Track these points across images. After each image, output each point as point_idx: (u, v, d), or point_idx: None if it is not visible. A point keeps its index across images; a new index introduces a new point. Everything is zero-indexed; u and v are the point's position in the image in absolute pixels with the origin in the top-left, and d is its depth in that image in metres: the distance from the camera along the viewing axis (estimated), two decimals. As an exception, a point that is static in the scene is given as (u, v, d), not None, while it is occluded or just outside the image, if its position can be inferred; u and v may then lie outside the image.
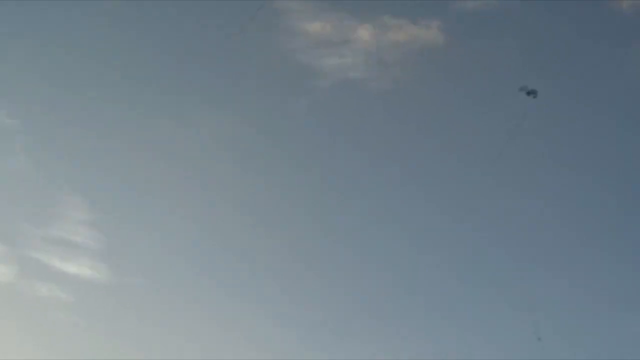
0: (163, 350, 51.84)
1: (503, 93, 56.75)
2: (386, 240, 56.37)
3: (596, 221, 55.47)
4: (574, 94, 56.22)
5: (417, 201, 57.53)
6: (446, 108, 58.58)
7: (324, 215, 58.11)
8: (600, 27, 56.71)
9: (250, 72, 60.47)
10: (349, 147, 59.13)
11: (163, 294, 54.93)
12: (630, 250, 53.63)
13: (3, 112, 57.85)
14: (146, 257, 56.58)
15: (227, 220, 57.38)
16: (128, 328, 53.13)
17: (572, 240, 54.90)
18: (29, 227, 56.35)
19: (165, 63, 60.55)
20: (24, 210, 56.76)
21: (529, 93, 44.81)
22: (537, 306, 46.44)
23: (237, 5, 60.52)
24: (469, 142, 57.05)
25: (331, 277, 56.04)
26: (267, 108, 60.10)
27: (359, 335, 53.10)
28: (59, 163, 58.20)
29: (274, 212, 58.11)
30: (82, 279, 55.05)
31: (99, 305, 54.29)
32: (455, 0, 59.66)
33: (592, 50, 56.80)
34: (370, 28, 60.17)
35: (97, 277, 55.18)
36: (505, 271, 54.67)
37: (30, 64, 58.75)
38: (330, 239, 57.12)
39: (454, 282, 54.84)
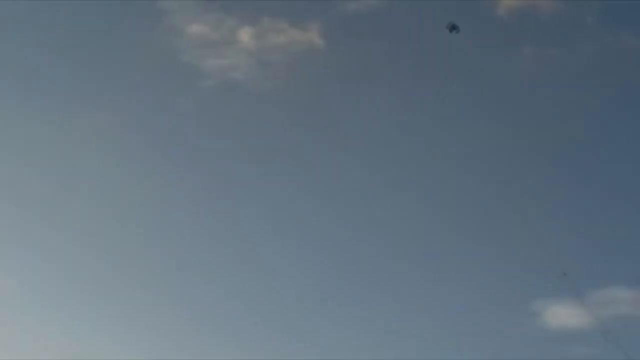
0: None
1: (381, 92, 58.77)
2: (271, 241, 56.87)
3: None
4: (452, 91, 58.34)
5: (300, 199, 58.43)
6: (327, 108, 59.92)
7: (205, 216, 58.22)
8: (479, 29, 59.12)
9: (132, 71, 60.78)
10: (231, 146, 59.72)
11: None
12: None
13: None
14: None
15: (96, 221, 56.64)
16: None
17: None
18: None
19: (42, 59, 60.35)
20: None
21: (452, 29, 46.97)
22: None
23: (119, 5, 60.98)
24: (349, 140, 58.48)
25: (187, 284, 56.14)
26: (149, 107, 60.33)
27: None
28: None
29: (152, 210, 57.84)
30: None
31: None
32: (334, 2, 61.24)
33: (473, 50, 59.12)
34: (251, 30, 61.39)
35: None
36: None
37: None
38: (211, 238, 57.25)
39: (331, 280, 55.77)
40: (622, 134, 57.60)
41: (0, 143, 58.04)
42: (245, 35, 61.23)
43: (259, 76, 60.76)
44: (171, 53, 60.75)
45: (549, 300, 52.66)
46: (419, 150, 57.71)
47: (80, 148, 58.17)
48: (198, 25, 61.47)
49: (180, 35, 61.11)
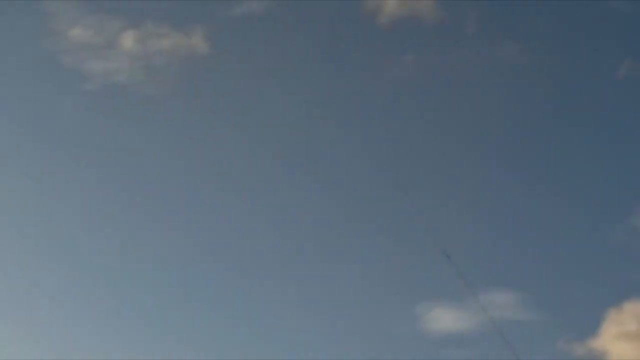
0: None
1: (269, 98, 59.11)
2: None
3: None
4: (334, 95, 59.31)
5: (183, 200, 58.21)
6: (213, 113, 59.87)
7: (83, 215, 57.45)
8: (360, 36, 60.10)
9: (10, 73, 59.65)
10: (114, 150, 59.10)
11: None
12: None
13: None
14: None
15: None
16: None
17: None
18: None
19: None
20: None
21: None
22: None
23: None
24: (233, 143, 58.65)
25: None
26: (30, 110, 59.32)
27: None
28: None
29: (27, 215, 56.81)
30: None
31: None
32: (219, 5, 61.30)
33: (354, 56, 60.12)
34: (134, 33, 60.95)
35: None
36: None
37: None
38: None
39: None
40: (500, 137, 59.03)
41: None
42: (128, 38, 60.93)
43: (143, 80, 60.47)
44: (53, 55, 60.09)
45: (432, 303, 53.45)
46: (304, 151, 58.45)
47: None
48: (80, 27, 60.93)
49: (62, 38, 60.48)
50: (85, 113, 59.59)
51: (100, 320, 52.82)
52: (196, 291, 54.15)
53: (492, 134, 58.53)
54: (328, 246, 55.47)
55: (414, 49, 59.49)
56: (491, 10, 60.39)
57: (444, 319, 53.01)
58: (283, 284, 54.03)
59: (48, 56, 59.86)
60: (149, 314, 53.58)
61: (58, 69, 59.83)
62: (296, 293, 53.86)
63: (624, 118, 58.78)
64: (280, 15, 60.72)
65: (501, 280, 53.76)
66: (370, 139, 57.71)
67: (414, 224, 44.37)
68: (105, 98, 59.83)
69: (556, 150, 58.39)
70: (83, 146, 59.06)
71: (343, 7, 59.38)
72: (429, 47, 59.66)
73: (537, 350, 50.76)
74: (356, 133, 57.43)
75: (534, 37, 60.08)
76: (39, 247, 55.17)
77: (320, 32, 60.04)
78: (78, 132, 59.36)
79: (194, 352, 50.45)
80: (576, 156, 58.20)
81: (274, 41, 59.86)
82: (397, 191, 42.32)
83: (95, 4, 61.65)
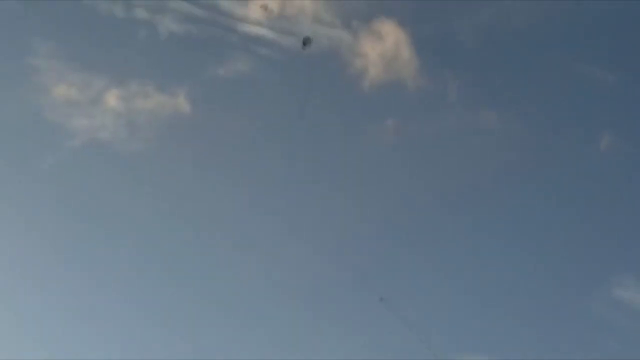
0: None
1: (248, 158, 59.44)
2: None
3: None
4: (314, 158, 59.62)
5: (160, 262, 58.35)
6: (192, 170, 60.13)
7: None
8: (343, 101, 60.64)
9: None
10: (96, 205, 59.19)
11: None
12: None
13: None
14: None
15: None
16: None
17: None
18: None
19: None
20: None
21: (305, 43, 48.33)
22: None
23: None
24: (209, 206, 59.06)
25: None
26: (13, 164, 59.42)
27: None
28: None
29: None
30: None
31: None
32: (201, 67, 61.82)
33: (335, 120, 60.57)
34: (118, 92, 61.37)
35: None
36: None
37: None
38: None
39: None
40: (481, 204, 59.35)
41: None
42: (112, 97, 61.39)
43: (126, 137, 60.80)
44: (37, 110, 60.40)
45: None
46: (282, 206, 58.68)
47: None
48: (65, 84, 61.37)
49: (47, 94, 60.84)
50: (68, 168, 60.01)
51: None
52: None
53: (473, 201, 59.01)
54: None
55: (397, 115, 60.16)
56: (473, 78, 61.34)
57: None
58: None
59: (31, 111, 60.36)
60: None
61: (42, 125, 60.32)
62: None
63: (605, 189, 59.41)
64: (264, 76, 61.38)
65: (478, 345, 54.36)
66: (349, 202, 58.27)
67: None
68: (88, 154, 60.36)
69: (537, 219, 58.84)
70: (65, 201, 59.45)
71: (327, 71, 60.01)
72: (411, 113, 60.36)
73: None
74: (336, 196, 57.95)
75: (515, 106, 60.85)
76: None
77: (303, 94, 60.45)
78: (61, 187, 59.72)
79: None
80: (557, 227, 58.67)
81: (255, 103, 60.44)
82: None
83: (81, 61, 62.16)
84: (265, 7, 50.42)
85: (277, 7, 60.32)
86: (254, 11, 61.66)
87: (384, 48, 59.66)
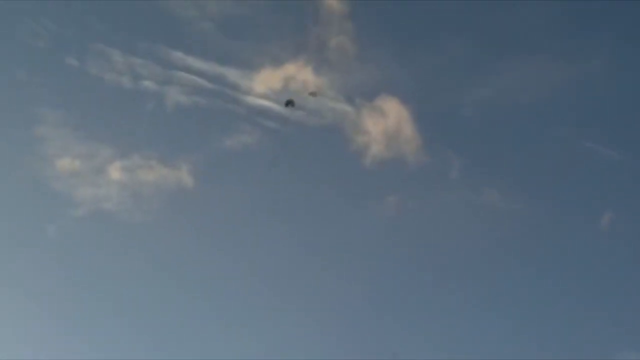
0: None
1: (250, 232, 59.86)
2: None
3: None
4: (327, 235, 59.92)
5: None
6: (194, 242, 60.38)
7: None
8: (345, 178, 61.00)
9: (3, 198, 60.50)
10: (101, 276, 59.54)
11: None
12: None
13: None
14: None
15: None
16: None
17: None
18: None
19: None
20: None
21: (288, 103, 48.83)
22: None
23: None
24: (210, 282, 59.40)
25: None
26: (19, 234, 59.93)
27: None
28: None
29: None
30: None
31: None
32: (205, 141, 62.45)
33: (338, 198, 60.95)
34: (122, 164, 62.08)
35: None
36: None
37: None
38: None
39: None
40: (481, 282, 59.36)
41: None
42: (116, 168, 62.09)
43: (130, 207, 61.33)
44: (43, 180, 61.10)
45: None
46: (283, 285, 58.87)
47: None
48: (70, 154, 62.14)
49: (52, 164, 61.56)
50: (72, 237, 60.48)
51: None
52: None
53: (474, 277, 59.02)
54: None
55: (398, 191, 60.44)
56: (475, 156, 61.63)
57: None
58: None
59: (36, 181, 61.09)
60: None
61: (46, 194, 60.99)
62: None
63: (606, 268, 59.36)
64: (268, 149, 61.85)
65: None
66: (348, 277, 58.44)
67: None
68: (93, 224, 60.86)
69: (537, 298, 58.73)
70: (69, 269, 59.87)
71: (330, 147, 60.51)
72: (413, 190, 60.61)
73: None
74: (335, 271, 58.13)
75: (516, 185, 61.03)
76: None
77: (306, 169, 61.10)
78: (65, 256, 60.16)
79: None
80: (558, 305, 58.52)
81: (259, 176, 60.73)
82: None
83: (86, 132, 62.98)
84: (314, 94, 51.53)
85: (283, 82, 61.25)
86: (260, 83, 62.56)
87: (386, 124, 60.19)
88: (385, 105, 60.35)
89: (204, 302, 58.49)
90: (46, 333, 57.26)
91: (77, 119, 63.39)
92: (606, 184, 61.34)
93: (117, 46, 64.16)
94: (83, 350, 56.58)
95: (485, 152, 61.83)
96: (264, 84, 62.13)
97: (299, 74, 60.79)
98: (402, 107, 60.33)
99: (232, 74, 63.29)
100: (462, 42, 63.39)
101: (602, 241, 59.32)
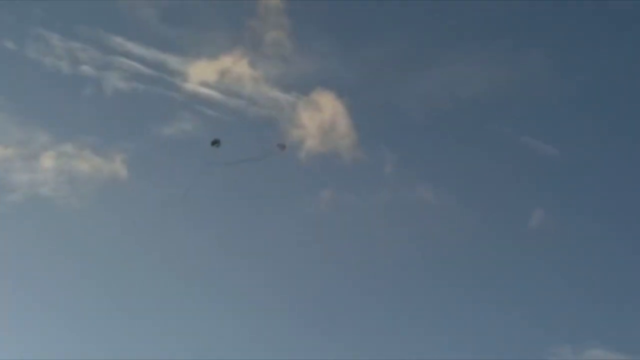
0: None
1: (181, 222, 60.02)
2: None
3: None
4: (259, 230, 60.22)
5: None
6: (126, 231, 60.51)
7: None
8: (279, 172, 61.09)
9: None
10: (38, 260, 59.71)
11: None
12: None
13: None
14: None
15: None
16: None
17: None
18: None
19: None
20: None
21: (214, 143, 49.30)
22: None
23: None
24: (145, 262, 59.50)
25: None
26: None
27: None
28: None
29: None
30: None
31: None
32: (140, 131, 62.39)
33: (272, 192, 61.18)
34: (59, 151, 61.98)
35: None
36: None
37: None
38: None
39: None
40: (412, 277, 59.97)
41: None
42: (52, 155, 61.93)
43: (66, 194, 61.33)
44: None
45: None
46: (211, 278, 59.15)
47: None
48: (7, 139, 61.94)
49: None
50: (8, 222, 60.56)
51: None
52: None
53: (403, 273, 59.66)
54: None
55: (332, 186, 60.74)
56: (410, 152, 62.00)
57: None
58: None
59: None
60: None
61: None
62: None
63: (535, 267, 60.16)
64: (207, 138, 61.43)
65: None
66: (280, 272, 58.93)
67: None
68: (29, 208, 60.89)
69: (468, 293, 59.41)
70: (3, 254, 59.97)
71: (266, 139, 60.50)
72: (347, 185, 60.95)
73: None
74: (267, 268, 58.51)
75: (451, 181, 61.49)
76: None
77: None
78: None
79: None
80: (490, 299, 59.24)
81: (192, 166, 60.50)
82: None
83: (23, 116, 62.71)
84: (282, 146, 51.71)
85: (220, 73, 61.21)
86: (199, 71, 62.45)
87: (321, 119, 60.36)
88: (321, 100, 60.55)
89: (132, 292, 58.89)
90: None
91: (14, 104, 63.22)
92: (542, 180, 61.99)
93: (56, 30, 63.90)
94: (10, 334, 57.21)
95: (421, 148, 62.38)
96: (203, 72, 62.13)
97: (236, 66, 60.92)
98: (338, 101, 60.54)
99: (171, 61, 63.27)
100: (401, 36, 63.53)
101: (530, 239, 60.07)
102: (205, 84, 62.04)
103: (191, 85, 62.45)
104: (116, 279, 58.96)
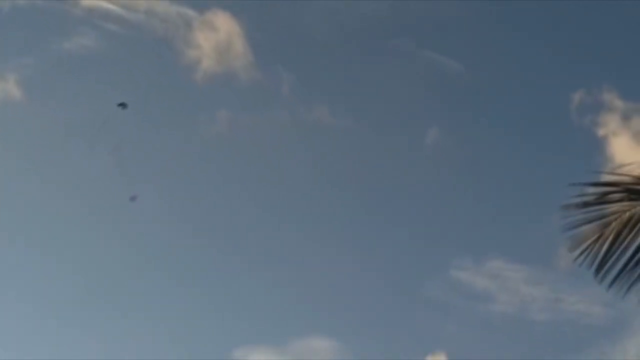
0: None
1: (76, 149, 59.26)
2: None
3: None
4: (154, 150, 59.84)
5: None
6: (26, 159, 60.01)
7: None
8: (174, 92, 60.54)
9: None
10: None
11: None
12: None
13: None
14: None
15: None
16: None
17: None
18: None
19: None
20: None
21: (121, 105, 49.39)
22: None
23: None
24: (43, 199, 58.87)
25: None
26: None
27: None
28: None
29: None
30: None
31: None
32: (41, 47, 60.80)
33: (167, 113, 60.73)
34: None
35: None
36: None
37: None
38: None
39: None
40: (307, 197, 60.46)
41: None
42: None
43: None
44: None
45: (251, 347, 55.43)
46: (104, 205, 58.76)
47: None
48: None
49: None
50: None
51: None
52: None
53: (301, 193, 60.25)
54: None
55: (229, 107, 60.28)
56: (308, 71, 61.48)
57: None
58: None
59: None
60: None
61: None
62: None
63: (431, 183, 60.65)
64: (107, 54, 60.52)
65: (319, 327, 56.23)
66: (176, 195, 59.28)
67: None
68: None
69: (364, 212, 60.10)
70: None
71: (159, 60, 59.46)
72: (243, 106, 60.57)
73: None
74: (162, 186, 58.68)
75: (348, 100, 61.12)
76: None
77: (136, 81, 59.92)
78: None
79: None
80: (389, 217, 60.11)
81: (87, 87, 59.52)
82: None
83: None
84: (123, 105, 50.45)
85: None
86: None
87: (217, 39, 59.48)
88: (216, 20, 59.55)
89: (30, 228, 58.81)
90: None
91: None
92: (439, 98, 61.64)
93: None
94: None
95: (320, 67, 61.70)
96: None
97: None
98: (234, 20, 59.52)
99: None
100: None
101: (425, 158, 60.22)
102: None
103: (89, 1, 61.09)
104: (18, 214, 58.85)
